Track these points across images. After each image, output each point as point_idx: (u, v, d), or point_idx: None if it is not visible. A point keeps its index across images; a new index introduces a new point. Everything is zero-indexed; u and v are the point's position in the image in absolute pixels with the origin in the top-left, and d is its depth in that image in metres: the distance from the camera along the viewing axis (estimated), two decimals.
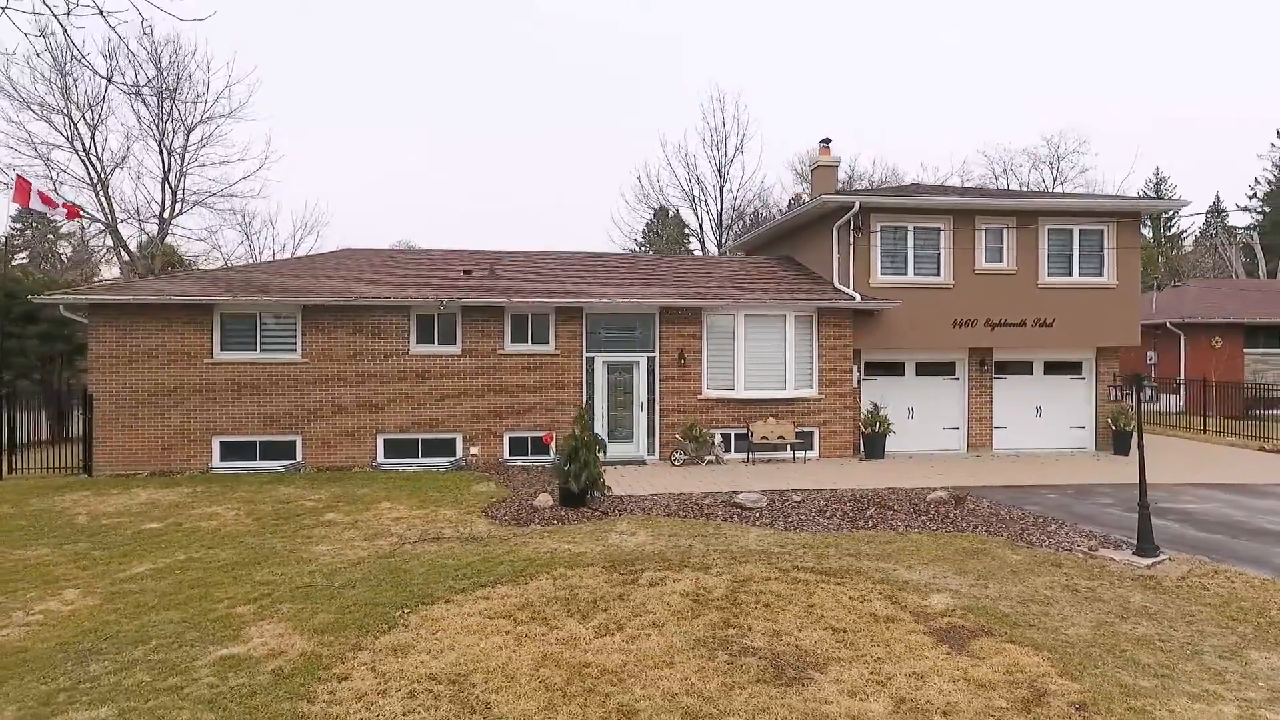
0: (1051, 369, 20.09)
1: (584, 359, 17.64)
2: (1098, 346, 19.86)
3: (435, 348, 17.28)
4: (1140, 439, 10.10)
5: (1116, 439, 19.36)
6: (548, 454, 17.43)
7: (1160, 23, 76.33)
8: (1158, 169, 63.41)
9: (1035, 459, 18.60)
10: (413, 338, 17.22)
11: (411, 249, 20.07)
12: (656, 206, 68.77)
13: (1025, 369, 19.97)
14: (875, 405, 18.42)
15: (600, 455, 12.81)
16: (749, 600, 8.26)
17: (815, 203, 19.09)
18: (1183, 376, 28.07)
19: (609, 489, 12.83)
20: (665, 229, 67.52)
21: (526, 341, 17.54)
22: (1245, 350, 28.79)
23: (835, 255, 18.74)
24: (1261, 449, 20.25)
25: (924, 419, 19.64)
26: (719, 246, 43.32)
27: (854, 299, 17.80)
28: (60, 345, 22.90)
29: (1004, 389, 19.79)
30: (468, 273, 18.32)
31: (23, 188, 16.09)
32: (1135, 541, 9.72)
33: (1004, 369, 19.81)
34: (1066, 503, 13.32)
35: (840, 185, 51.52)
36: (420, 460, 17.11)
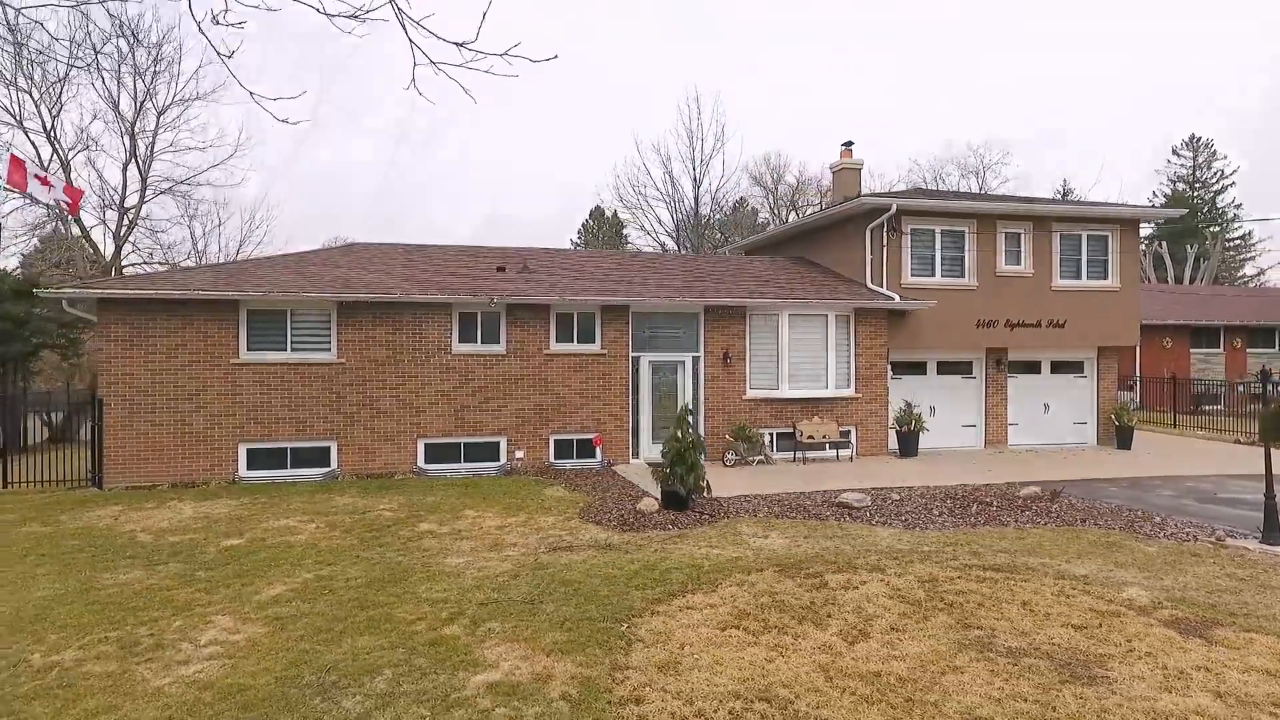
0: (1058, 368, 21.01)
1: (630, 359, 17.26)
2: (1099, 346, 20.91)
3: (479, 347, 16.55)
4: (1272, 437, 10.64)
5: (1119, 434, 20.43)
6: (594, 456, 17.01)
7: (1063, 43, 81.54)
8: (1064, 180, 67.69)
9: (1057, 454, 19.42)
10: (455, 337, 16.42)
11: (425, 245, 19.13)
12: (592, 207, 68.41)
13: (1034, 368, 20.81)
14: (908, 404, 18.81)
15: (701, 457, 12.55)
16: (959, 601, 8.21)
17: (851, 204, 19.33)
18: (1139, 374, 30.01)
19: (710, 491, 12.54)
20: (601, 229, 67.41)
21: (572, 341, 17.02)
22: (1191, 350, 31.06)
23: (868, 257, 19.04)
24: (1237, 441, 21.77)
25: (944, 417, 20.21)
26: (696, 247, 43.32)
27: (893, 299, 18.14)
28: (18, 346, 20.67)
29: (1016, 387, 20.57)
30: (501, 269, 17.65)
31: (17, 168, 14.40)
32: (1261, 531, 10.22)
33: (1015, 368, 20.58)
34: (1135, 495, 13.94)
35: (792, 190, 52.29)
36: (465, 465, 16.34)
